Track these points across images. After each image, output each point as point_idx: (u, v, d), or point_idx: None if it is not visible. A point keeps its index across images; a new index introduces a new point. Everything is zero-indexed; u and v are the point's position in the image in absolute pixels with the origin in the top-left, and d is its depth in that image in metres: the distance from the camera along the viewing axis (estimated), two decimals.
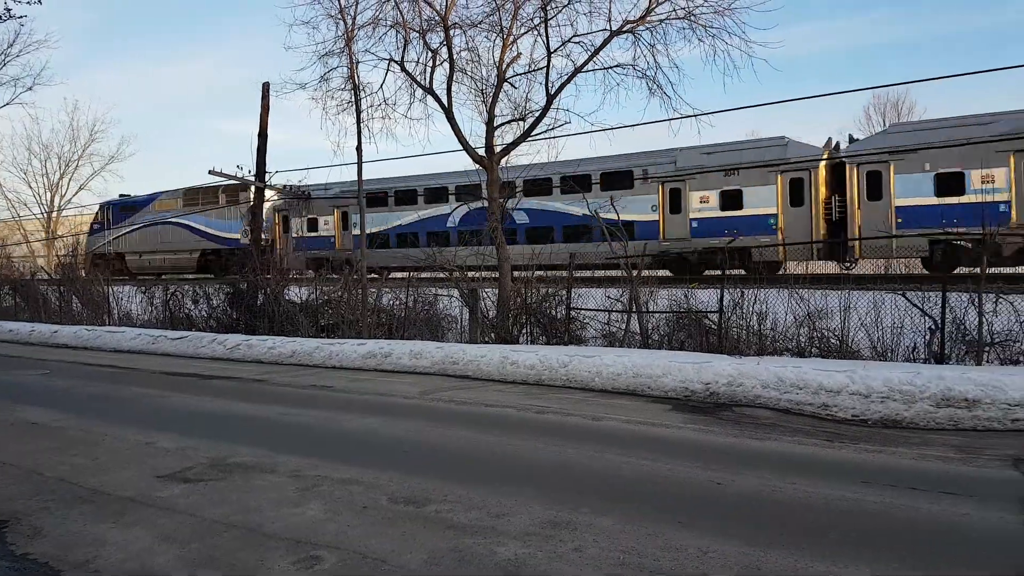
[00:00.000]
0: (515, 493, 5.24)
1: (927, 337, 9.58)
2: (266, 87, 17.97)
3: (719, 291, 11.11)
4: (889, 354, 9.64)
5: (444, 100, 14.28)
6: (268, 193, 30.58)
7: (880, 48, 62.36)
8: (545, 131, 13.97)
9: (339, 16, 14.89)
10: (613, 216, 16.84)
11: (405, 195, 28.15)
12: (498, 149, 14.29)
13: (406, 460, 6.33)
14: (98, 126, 75.24)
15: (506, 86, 14.07)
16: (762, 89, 55.66)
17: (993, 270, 10.18)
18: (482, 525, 4.64)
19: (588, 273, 17.92)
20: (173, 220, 32.69)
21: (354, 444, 7.03)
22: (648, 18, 12.61)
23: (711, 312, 11.21)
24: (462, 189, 25.29)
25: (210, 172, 18.37)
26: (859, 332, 9.93)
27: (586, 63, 13.26)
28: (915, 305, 9.71)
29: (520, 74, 14.25)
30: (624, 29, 12.79)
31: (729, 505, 4.99)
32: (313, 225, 30.38)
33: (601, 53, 13.15)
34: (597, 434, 7.16)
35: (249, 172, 18.42)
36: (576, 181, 23.52)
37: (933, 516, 4.66)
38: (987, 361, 9.25)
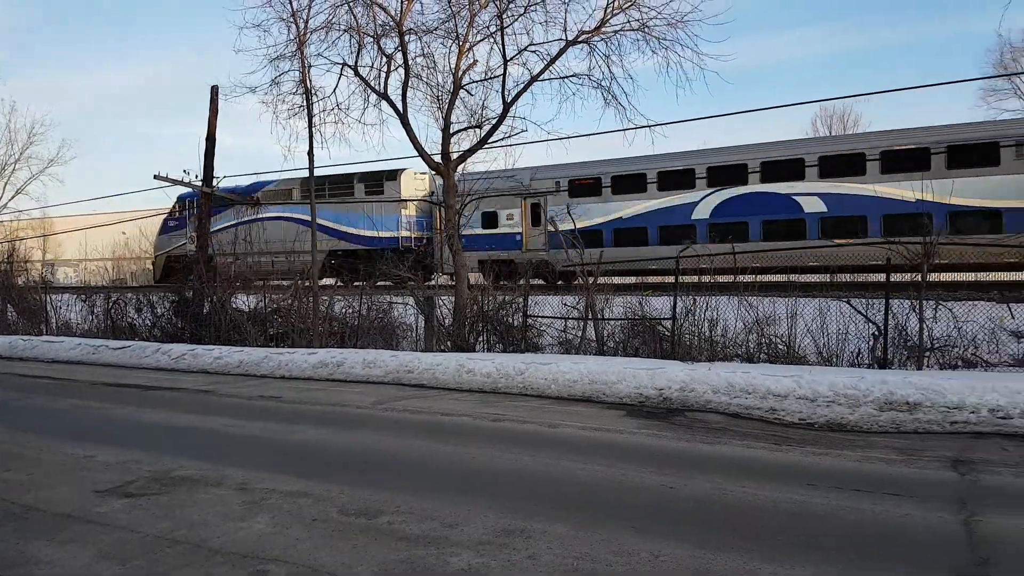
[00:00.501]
0: (470, 502, 5.19)
1: (871, 343, 9.87)
2: (215, 90, 17.59)
3: (672, 298, 11.27)
4: (835, 359, 9.90)
5: (399, 106, 14.20)
6: (416, 185, 26.84)
7: (828, 61, 64.42)
8: (502, 139, 14.00)
9: (291, 19, 14.68)
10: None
11: (628, 181, 22.35)
12: (454, 156, 14.26)
13: (358, 471, 6.22)
14: (37, 128, 72.49)
15: (462, 93, 14.06)
16: (713, 101, 57.20)
17: (933, 277, 10.54)
18: (435, 535, 4.59)
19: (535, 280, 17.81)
20: (289, 216, 26.57)
21: (304, 456, 6.88)
22: (603, 29, 12.76)
23: (664, 319, 11.36)
24: (718, 171, 20.83)
25: (155, 177, 17.86)
26: (806, 338, 10.18)
27: (542, 72, 13.35)
28: (859, 312, 9.99)
29: (476, 81, 14.26)
30: (579, 39, 12.92)
31: (681, 509, 5.03)
32: (491, 220, 24.44)
33: (557, 62, 13.27)
34: (553, 441, 7.16)
35: (196, 177, 17.99)
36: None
37: (876, 517, 4.77)
38: (927, 366, 9.57)
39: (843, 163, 19.14)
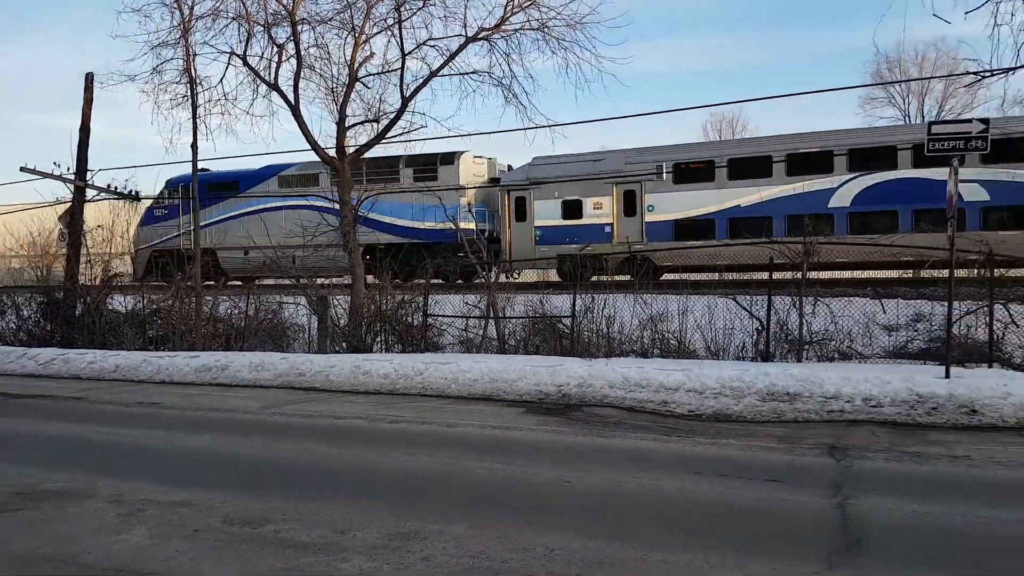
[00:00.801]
0: (364, 506, 5.05)
1: (755, 337, 10.38)
2: (89, 78, 16.39)
3: (572, 296, 11.45)
4: (722, 353, 10.35)
5: (291, 97, 13.71)
6: (474, 170, 23.17)
7: (720, 68, 67.51)
8: (400, 134, 13.74)
9: (175, 5, 13.88)
10: None
11: (748, 165, 19.54)
12: (350, 150, 13.90)
13: (244, 479, 5.94)
14: None
15: (359, 86, 13.73)
16: (611, 103, 58.84)
17: (812, 275, 11.15)
18: (326, 542, 4.42)
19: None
20: (313, 204, 23.82)
21: (185, 465, 6.51)
22: (503, 27, 12.79)
23: (564, 317, 11.53)
24: (862, 154, 18.37)
25: (22, 169, 16.44)
26: (695, 334, 10.59)
27: (441, 67, 13.24)
28: (744, 308, 10.49)
29: (373, 74, 13.96)
30: (479, 36, 12.90)
31: (578, 502, 5.09)
32: (573, 209, 21.47)
33: (457, 59, 13.18)
34: (452, 441, 7.09)
35: (69, 170, 16.70)
36: None
37: (759, 503, 4.98)
38: (807, 358, 10.15)
39: (1014, 147, 16.69)
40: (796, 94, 40.47)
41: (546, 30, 12.62)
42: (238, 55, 13.90)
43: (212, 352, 12.48)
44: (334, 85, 13.92)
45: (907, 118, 37.97)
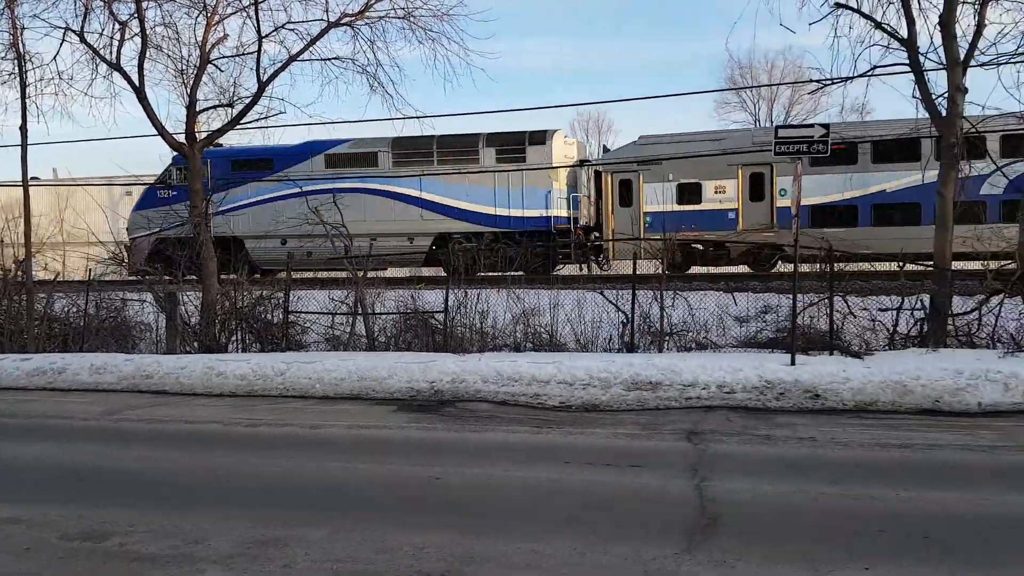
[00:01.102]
0: (219, 514, 4.72)
1: (620, 329, 10.72)
2: None
3: (444, 291, 11.33)
4: (590, 346, 10.62)
5: (135, 78, 12.64)
6: (565, 151, 19.88)
7: (584, 67, 69.45)
8: (257, 119, 13.04)
9: None
10: None
11: (897, 147, 17.68)
12: (201, 136, 13.03)
13: (84, 490, 5.41)
14: None
15: (211, 69, 12.88)
16: (481, 97, 58.96)
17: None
18: (177, 553, 4.09)
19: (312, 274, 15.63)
20: (373, 187, 19.67)
21: (14, 477, 5.86)
22: (367, 13, 12.44)
23: (437, 312, 11.39)
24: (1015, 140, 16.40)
25: None
26: (566, 327, 10.80)
27: (301, 52, 12.66)
28: (610, 302, 10.83)
29: (228, 57, 13.12)
30: (342, 21, 12.47)
31: (449, 498, 5.02)
32: (690, 193, 19.53)
33: (319, 44, 12.65)
34: (315, 443, 6.83)
35: None
36: None
37: (622, 488, 5.12)
38: (668, 349, 10.61)
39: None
40: (657, 96, 43.00)
41: (412, 19, 12.42)
42: (74, 31, 12.66)
43: (47, 354, 11.35)
44: (184, 67, 12.99)
45: (757, 122, 40.87)
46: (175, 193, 20.45)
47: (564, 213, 19.69)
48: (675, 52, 64.88)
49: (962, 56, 10.57)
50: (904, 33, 10.77)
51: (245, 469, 5.90)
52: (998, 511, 4.53)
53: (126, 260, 18.50)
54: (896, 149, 17.78)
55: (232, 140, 13.76)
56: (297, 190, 18.16)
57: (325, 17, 12.46)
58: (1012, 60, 11.12)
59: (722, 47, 47.38)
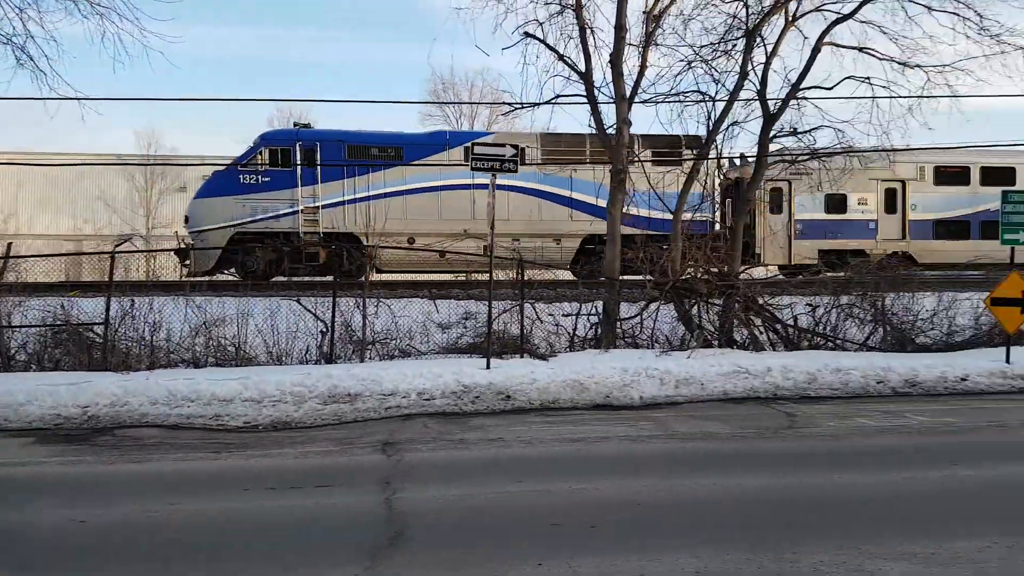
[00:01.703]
0: None
1: (319, 339, 10.16)
2: None
3: (106, 300, 9.71)
4: (285, 358, 9.88)
5: None
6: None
7: (288, 62, 66.10)
8: None
9: None
10: None
11: (998, 172, 19.68)
12: None
13: None
14: None
15: None
16: (162, 84, 52.78)
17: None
18: None
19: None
20: (520, 184, 17.60)
21: None
22: None
23: (95, 324, 9.71)
24: None
25: None
26: (256, 338, 9.92)
27: None
28: (308, 310, 10.22)
29: None
30: None
31: (88, 544, 4.14)
32: (838, 204, 20.16)
33: None
34: None
35: None
36: None
37: (307, 511, 4.69)
38: (370, 358, 10.31)
39: None
40: (366, 101, 42.59)
41: None
42: None
43: None
44: None
45: None
46: (268, 180, 17.78)
47: (708, 217, 19.81)
48: (380, 54, 64.70)
49: (628, 92, 12.02)
50: (583, 67, 11.95)
51: None
52: (654, 498, 4.97)
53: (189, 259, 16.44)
54: (951, 177, 21.57)
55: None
56: (426, 184, 18.09)
57: None
58: (666, 100, 13.07)
59: (425, 60, 48.84)
